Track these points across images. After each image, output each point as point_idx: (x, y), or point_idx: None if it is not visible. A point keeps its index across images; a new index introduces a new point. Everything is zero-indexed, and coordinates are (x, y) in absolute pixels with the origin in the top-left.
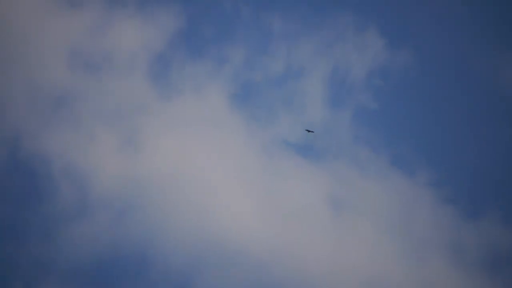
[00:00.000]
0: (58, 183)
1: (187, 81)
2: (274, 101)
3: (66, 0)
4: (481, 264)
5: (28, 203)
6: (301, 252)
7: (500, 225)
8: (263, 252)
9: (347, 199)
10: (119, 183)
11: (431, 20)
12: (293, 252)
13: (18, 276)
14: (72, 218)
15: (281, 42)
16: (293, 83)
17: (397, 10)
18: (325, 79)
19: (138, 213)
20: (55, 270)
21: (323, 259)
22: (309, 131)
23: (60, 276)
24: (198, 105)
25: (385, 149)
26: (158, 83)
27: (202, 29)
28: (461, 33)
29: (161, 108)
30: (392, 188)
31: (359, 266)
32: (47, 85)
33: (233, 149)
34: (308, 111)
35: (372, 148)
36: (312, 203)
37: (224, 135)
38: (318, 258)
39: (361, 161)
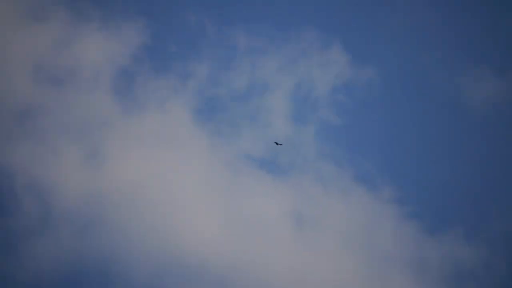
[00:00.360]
0: (20, 197)
1: (151, 96)
2: (238, 116)
3: (31, 14)
4: (444, 279)
5: None
6: (263, 267)
7: (462, 241)
8: (225, 267)
9: (310, 214)
10: (82, 197)
11: (394, 37)
12: (256, 267)
13: None
14: (34, 232)
15: (245, 58)
16: (257, 98)
17: (361, 27)
18: (289, 95)
19: (101, 227)
20: (17, 285)
21: (286, 274)
22: (277, 143)
23: None
24: (161, 120)
25: (349, 165)
26: (122, 97)
27: (167, 44)
28: (423, 50)
29: (124, 123)
30: (356, 203)
31: (322, 281)
32: (11, 99)
33: (197, 164)
34: (272, 127)
35: (336, 164)
36: (275, 218)
37: (187, 150)
38: (281, 273)
39: (324, 177)
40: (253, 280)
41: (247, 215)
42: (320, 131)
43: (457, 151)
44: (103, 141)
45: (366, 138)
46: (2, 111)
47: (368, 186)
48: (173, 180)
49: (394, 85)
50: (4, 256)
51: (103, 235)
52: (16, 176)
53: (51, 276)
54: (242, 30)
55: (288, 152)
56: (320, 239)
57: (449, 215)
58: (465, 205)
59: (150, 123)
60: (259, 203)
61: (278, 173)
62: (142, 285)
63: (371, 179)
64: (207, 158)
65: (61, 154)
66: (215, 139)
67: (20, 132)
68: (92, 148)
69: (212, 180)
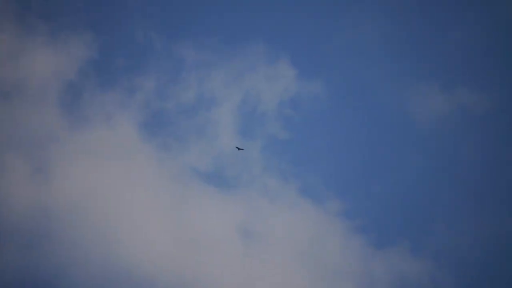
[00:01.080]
0: None
1: (98, 110)
2: (185, 130)
3: None
4: None
5: None
6: (211, 280)
7: (408, 254)
8: (174, 280)
9: (258, 228)
10: (29, 211)
11: (341, 52)
12: (204, 281)
13: None
14: None
15: (192, 71)
16: (204, 112)
17: (308, 42)
18: (236, 109)
19: (48, 241)
20: None
21: (234, 287)
22: (239, 148)
23: None
24: (108, 134)
25: (295, 178)
26: (69, 111)
27: (114, 58)
28: (370, 64)
29: (71, 137)
30: (303, 217)
31: None
32: None
33: (144, 178)
34: (218, 140)
35: (282, 178)
36: (222, 232)
37: (135, 164)
38: (228, 287)
39: (271, 191)
40: None
41: (195, 228)
42: (267, 145)
43: (403, 165)
44: (50, 155)
45: (313, 152)
46: None
47: (315, 200)
48: (120, 195)
49: (341, 99)
50: None
51: (50, 249)
52: None
53: None
54: (189, 44)
55: (235, 166)
56: (267, 252)
57: (395, 229)
58: (411, 218)
59: (97, 137)
60: (207, 216)
61: (225, 187)
62: None
63: (317, 193)
64: (155, 172)
65: (8, 168)
66: (162, 153)
67: None
68: (39, 162)
69: (159, 194)
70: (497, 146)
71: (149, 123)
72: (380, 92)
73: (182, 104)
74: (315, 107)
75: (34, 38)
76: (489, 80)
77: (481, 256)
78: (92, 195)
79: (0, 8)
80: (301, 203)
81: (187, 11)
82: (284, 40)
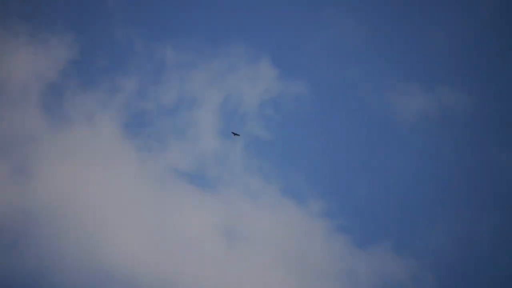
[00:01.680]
0: None
1: (79, 111)
2: (166, 130)
3: None
4: None
5: None
6: (193, 281)
7: (391, 254)
8: (155, 282)
9: (239, 229)
10: (9, 213)
11: (323, 51)
12: (186, 282)
13: None
14: None
15: (173, 72)
16: (186, 113)
17: (289, 42)
18: (217, 109)
19: (28, 243)
20: None
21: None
22: (235, 134)
23: None
24: (89, 134)
25: (277, 178)
26: (49, 112)
27: (95, 59)
28: (351, 64)
29: (52, 138)
30: (285, 217)
31: None
32: None
33: (125, 179)
34: (200, 141)
35: (264, 178)
36: (204, 233)
37: (116, 164)
38: (211, 287)
39: (253, 191)
40: None
41: (176, 229)
42: (248, 145)
43: (385, 164)
44: (30, 155)
45: (295, 152)
46: None
47: (297, 200)
48: (101, 195)
49: (323, 99)
50: None
51: (30, 251)
52: None
53: None
54: (170, 45)
55: (216, 166)
56: (250, 253)
57: (378, 228)
58: (393, 218)
59: (78, 137)
60: (188, 217)
61: (206, 187)
62: None
63: (300, 192)
64: (136, 172)
65: None
66: (143, 154)
67: None
68: (19, 162)
69: (141, 194)
70: (479, 146)
71: (131, 124)
72: (362, 91)
73: (163, 104)
74: (297, 107)
75: (14, 39)
76: (471, 79)
77: (464, 256)
78: (73, 195)
79: None
80: (283, 203)
81: (168, 12)
82: (265, 40)
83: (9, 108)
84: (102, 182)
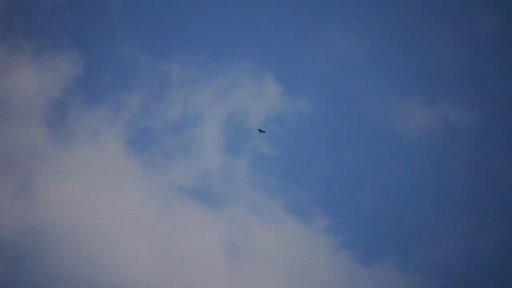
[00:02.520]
0: None
1: (84, 128)
2: (171, 147)
3: None
4: None
5: None
6: None
7: (395, 269)
8: None
9: (244, 245)
10: (15, 229)
11: (327, 67)
12: None
13: None
14: None
15: (178, 88)
16: (190, 129)
17: (293, 58)
18: (222, 126)
19: (34, 260)
20: None
21: None
22: (261, 131)
23: None
24: (95, 151)
25: (282, 195)
26: (55, 129)
27: (99, 75)
28: (354, 79)
29: (58, 155)
30: (289, 233)
31: None
32: None
33: (131, 196)
34: (205, 158)
35: (269, 194)
36: (209, 248)
37: (121, 182)
38: None
39: (257, 207)
40: None
41: (182, 245)
42: (253, 161)
43: (389, 179)
44: (36, 173)
45: (299, 168)
46: None
47: (302, 216)
48: (106, 212)
49: (327, 114)
50: None
51: (35, 267)
52: None
53: None
54: (175, 61)
55: (221, 183)
56: (254, 269)
57: (382, 244)
58: (397, 233)
59: (83, 154)
60: (193, 233)
61: (211, 204)
62: None
63: (304, 208)
64: (141, 189)
65: None
66: (148, 171)
67: None
68: (24, 180)
69: (146, 211)
70: (483, 160)
71: (135, 140)
72: (366, 106)
73: (168, 121)
74: (301, 122)
75: (18, 56)
76: (474, 94)
77: (468, 270)
78: (78, 212)
79: None
80: (287, 219)
81: (172, 28)
82: (269, 56)
83: (14, 125)
84: (107, 199)
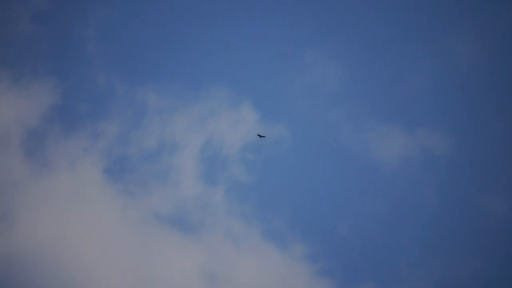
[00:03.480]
0: None
1: (61, 156)
2: (147, 175)
3: None
4: None
5: None
6: None
7: None
8: None
9: (222, 272)
10: None
11: (304, 94)
12: None
13: None
14: None
15: (154, 116)
16: (167, 157)
17: (270, 85)
18: (198, 153)
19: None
20: None
21: None
22: (260, 136)
23: None
24: (72, 180)
25: (259, 222)
26: (31, 158)
27: (76, 104)
28: (333, 106)
29: (34, 183)
30: (267, 260)
31: None
32: None
33: (107, 224)
34: (182, 185)
35: (246, 221)
36: (186, 276)
37: (98, 209)
38: None
39: (235, 234)
40: None
41: (159, 273)
42: (230, 189)
43: (367, 207)
44: (13, 201)
45: (277, 196)
46: None
47: (279, 243)
48: (83, 240)
49: (303, 142)
50: None
51: None
52: None
53: None
54: (152, 89)
55: (198, 211)
56: None
57: (360, 272)
58: (376, 261)
59: (60, 183)
60: (171, 262)
61: (188, 232)
62: None
63: (282, 236)
64: (118, 217)
65: None
66: (125, 199)
67: None
68: (1, 208)
69: (123, 239)
70: (459, 188)
71: (112, 169)
72: (343, 134)
73: (145, 149)
74: (278, 150)
75: None
76: (450, 122)
77: None
78: (55, 240)
79: None
80: (265, 246)
81: (149, 57)
82: (246, 84)
83: None
84: (84, 227)
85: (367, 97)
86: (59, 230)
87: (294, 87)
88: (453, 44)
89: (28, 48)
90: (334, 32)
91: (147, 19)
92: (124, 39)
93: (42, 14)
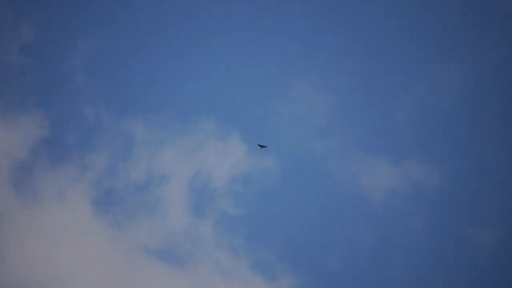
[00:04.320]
0: None
1: (49, 189)
2: (135, 207)
3: None
4: None
5: None
6: None
7: None
8: None
9: None
10: None
11: (292, 126)
12: None
13: None
14: None
15: (142, 148)
16: (155, 189)
17: (258, 116)
18: (186, 186)
19: None
20: None
21: None
22: (262, 146)
23: None
24: (60, 212)
25: (248, 254)
26: (20, 190)
27: (64, 136)
28: (321, 138)
29: (23, 216)
30: None
31: None
32: None
33: (95, 256)
34: (170, 217)
35: (235, 253)
36: None
37: (86, 242)
38: None
39: (223, 267)
40: None
41: None
42: (219, 221)
43: (355, 237)
44: (0, 234)
45: (265, 228)
46: None
47: (268, 276)
48: (72, 272)
49: (292, 174)
50: None
51: None
52: None
53: None
54: (140, 121)
55: (186, 243)
56: None
57: None
58: None
59: (48, 215)
60: None
61: (177, 264)
62: None
63: (270, 268)
64: (106, 249)
65: None
66: (113, 231)
67: None
68: None
69: (111, 271)
70: (447, 220)
71: (100, 201)
72: (331, 166)
73: (133, 181)
74: (267, 182)
75: None
76: (439, 155)
77: None
78: (43, 273)
79: None
80: (254, 278)
81: (137, 89)
82: (234, 116)
83: None
84: (73, 259)
85: (355, 129)
86: (47, 262)
87: (282, 119)
88: (441, 77)
89: (16, 80)
90: (322, 63)
91: (135, 51)
92: (112, 71)
93: (30, 46)
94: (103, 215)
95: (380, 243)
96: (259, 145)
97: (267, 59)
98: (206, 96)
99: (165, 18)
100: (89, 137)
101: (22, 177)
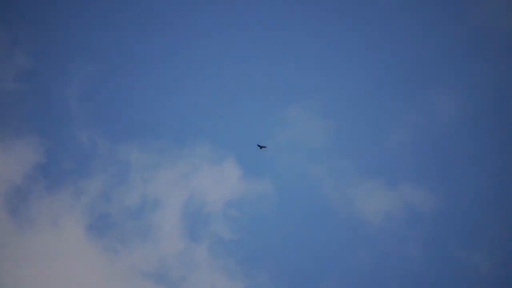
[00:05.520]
0: None
1: (44, 214)
2: (130, 232)
3: None
4: None
5: None
6: None
7: None
8: None
9: None
10: None
11: (287, 150)
12: None
13: None
14: None
15: (137, 173)
16: (149, 214)
17: (253, 140)
18: (181, 210)
19: None
20: None
21: None
22: (261, 146)
23: None
24: (55, 237)
25: (243, 278)
26: (15, 216)
27: (59, 162)
28: (317, 162)
29: (18, 241)
30: None
31: None
32: None
33: (91, 281)
34: (164, 242)
35: (230, 277)
36: None
37: (81, 267)
38: None
39: None
40: None
41: None
42: (213, 246)
43: (351, 261)
44: None
45: (261, 252)
46: None
47: None
48: None
49: (287, 198)
50: None
51: None
52: None
53: None
54: (135, 146)
55: (181, 267)
56: None
57: None
58: None
59: (43, 240)
60: None
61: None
62: None
63: None
64: (101, 274)
65: None
66: (108, 255)
67: None
68: None
69: None
70: (443, 244)
71: (95, 226)
72: (327, 190)
73: (127, 206)
74: (262, 206)
75: None
76: (433, 177)
77: None
78: None
79: None
80: None
81: (131, 114)
82: (229, 140)
83: None
84: (68, 284)
85: (351, 152)
86: (43, 287)
87: (277, 143)
88: (435, 100)
89: (11, 106)
90: (316, 88)
91: (129, 76)
92: (107, 96)
93: (26, 72)
94: (97, 240)
95: (376, 267)
96: (259, 146)
97: (263, 84)
98: (201, 121)
99: (159, 44)
100: (84, 162)
101: (17, 202)
